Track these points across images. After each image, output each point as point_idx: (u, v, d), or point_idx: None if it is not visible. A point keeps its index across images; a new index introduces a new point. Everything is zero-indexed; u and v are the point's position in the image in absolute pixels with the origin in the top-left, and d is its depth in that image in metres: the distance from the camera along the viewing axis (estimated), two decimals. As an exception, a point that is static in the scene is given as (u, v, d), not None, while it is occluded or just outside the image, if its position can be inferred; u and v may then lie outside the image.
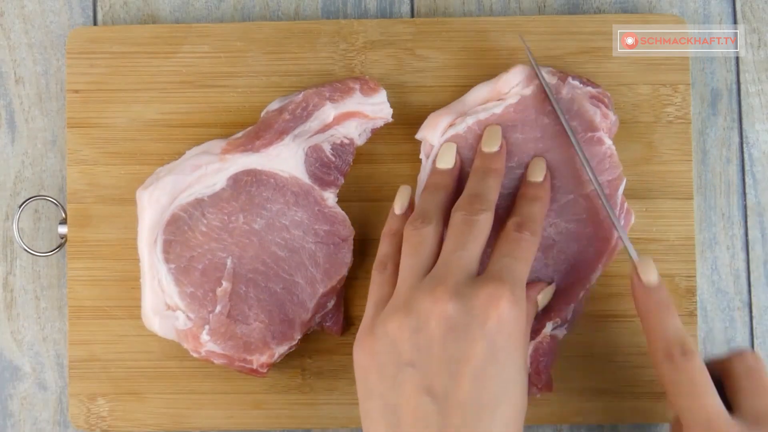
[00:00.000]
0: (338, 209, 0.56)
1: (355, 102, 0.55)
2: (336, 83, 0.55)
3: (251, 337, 0.54)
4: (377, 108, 0.56)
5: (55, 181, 0.60)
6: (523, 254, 0.48)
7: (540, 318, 0.54)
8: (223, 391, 0.57)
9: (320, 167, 0.55)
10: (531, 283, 0.53)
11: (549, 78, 0.55)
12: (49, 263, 0.60)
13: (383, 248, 0.52)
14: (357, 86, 0.55)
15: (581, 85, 0.55)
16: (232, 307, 0.54)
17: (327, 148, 0.55)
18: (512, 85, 0.55)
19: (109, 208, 0.57)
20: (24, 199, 0.59)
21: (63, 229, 0.58)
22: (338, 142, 0.55)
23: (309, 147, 0.55)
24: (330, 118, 0.55)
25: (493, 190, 0.51)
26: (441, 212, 0.51)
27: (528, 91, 0.55)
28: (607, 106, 0.55)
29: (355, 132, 0.56)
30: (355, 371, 0.48)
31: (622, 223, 0.55)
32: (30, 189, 0.60)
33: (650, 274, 0.48)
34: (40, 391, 0.59)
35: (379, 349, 0.46)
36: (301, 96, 0.55)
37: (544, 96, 0.55)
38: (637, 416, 0.57)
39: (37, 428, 0.59)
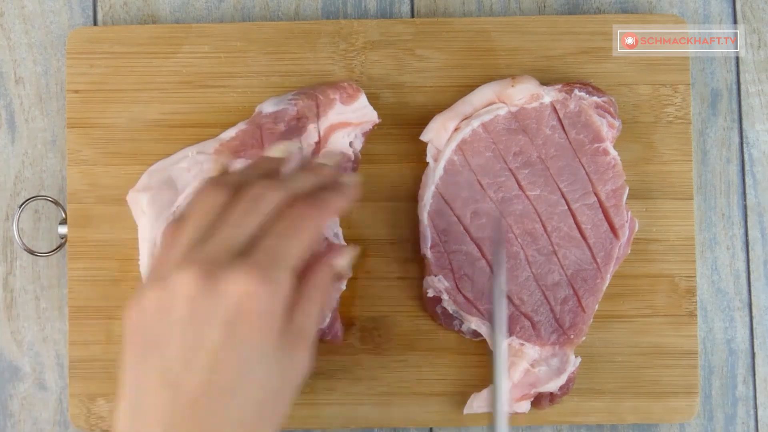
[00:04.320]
0: (328, 229, 0.55)
1: (337, 113, 0.55)
2: (320, 95, 0.55)
3: None
4: (360, 114, 0.55)
5: (55, 181, 0.60)
6: (289, 231, 0.44)
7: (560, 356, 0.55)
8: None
9: None
10: (330, 246, 0.50)
11: (556, 95, 0.55)
12: (49, 263, 0.60)
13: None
14: (337, 96, 0.55)
15: (587, 95, 0.55)
16: None
17: None
18: (516, 99, 0.55)
19: (109, 208, 0.57)
20: (24, 199, 0.59)
21: (63, 229, 0.58)
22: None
23: None
24: (316, 138, 0.55)
25: (302, 183, 0.46)
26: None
27: (531, 106, 0.55)
28: (613, 116, 0.55)
29: (344, 142, 0.55)
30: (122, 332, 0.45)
31: (627, 233, 0.56)
32: (30, 189, 0.60)
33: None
34: (40, 391, 0.59)
35: (135, 319, 0.43)
36: (295, 111, 0.55)
37: (548, 111, 0.55)
38: (637, 416, 0.57)
39: (37, 428, 0.59)
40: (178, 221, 0.46)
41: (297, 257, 0.43)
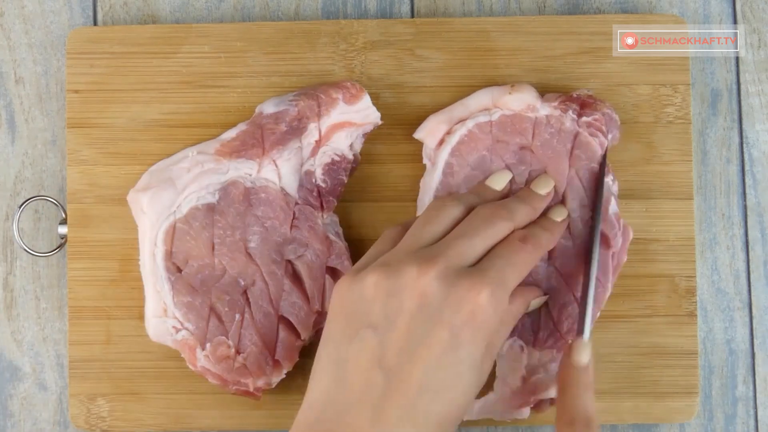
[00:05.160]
0: (329, 228, 0.55)
1: (340, 112, 0.55)
2: (321, 95, 0.55)
3: (247, 361, 0.54)
4: (363, 114, 0.55)
5: (55, 181, 0.60)
6: (518, 261, 0.48)
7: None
8: (223, 391, 0.57)
9: (313, 196, 0.55)
10: (528, 286, 0.53)
11: (552, 111, 0.55)
12: (49, 263, 0.60)
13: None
14: (339, 95, 0.55)
15: (576, 117, 0.55)
16: (227, 325, 0.54)
17: (318, 173, 0.55)
18: (512, 106, 0.55)
19: (109, 208, 0.57)
20: (24, 199, 0.59)
21: (63, 229, 0.58)
22: (329, 161, 0.55)
23: (303, 174, 0.55)
24: (317, 137, 0.55)
25: (524, 216, 0.51)
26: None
27: (526, 114, 0.55)
28: (605, 134, 0.55)
29: (345, 142, 0.55)
30: (328, 310, 0.48)
31: (620, 240, 0.55)
32: (30, 189, 0.60)
33: (582, 356, 0.49)
34: (40, 391, 0.59)
35: (352, 298, 0.46)
36: (296, 111, 0.55)
37: (545, 121, 0.55)
38: (637, 416, 0.57)
39: (37, 428, 0.59)
40: (409, 223, 0.51)
41: (515, 285, 0.48)
